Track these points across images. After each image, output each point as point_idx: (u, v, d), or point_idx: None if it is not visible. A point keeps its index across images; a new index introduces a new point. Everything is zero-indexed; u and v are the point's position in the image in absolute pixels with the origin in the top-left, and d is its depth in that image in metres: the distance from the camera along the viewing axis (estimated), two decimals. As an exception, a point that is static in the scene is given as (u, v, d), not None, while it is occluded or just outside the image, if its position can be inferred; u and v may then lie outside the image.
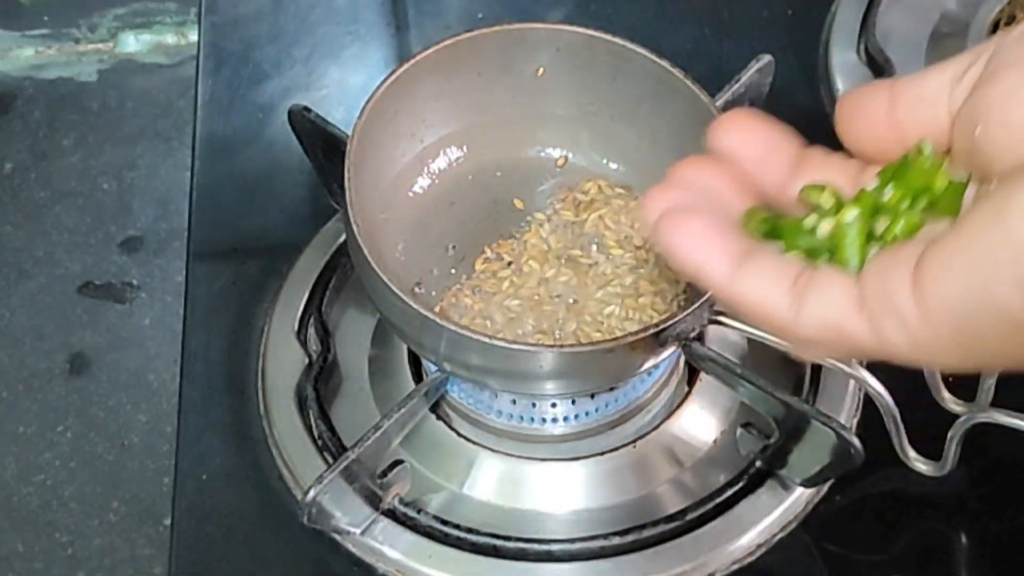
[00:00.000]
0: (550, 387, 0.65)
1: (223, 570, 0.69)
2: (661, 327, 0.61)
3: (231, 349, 0.76)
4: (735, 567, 0.67)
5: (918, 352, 0.36)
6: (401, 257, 0.71)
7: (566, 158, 0.75)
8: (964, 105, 0.38)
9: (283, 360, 0.74)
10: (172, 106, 1.74)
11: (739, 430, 0.69)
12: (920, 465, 0.68)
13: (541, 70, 0.72)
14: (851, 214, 0.39)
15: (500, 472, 0.70)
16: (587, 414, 0.71)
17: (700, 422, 0.72)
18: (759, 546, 0.67)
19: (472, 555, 0.67)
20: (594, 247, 0.71)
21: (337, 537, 0.68)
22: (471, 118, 0.73)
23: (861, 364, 0.73)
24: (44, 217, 1.65)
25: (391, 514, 0.68)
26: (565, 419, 0.71)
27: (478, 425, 0.72)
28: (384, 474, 0.68)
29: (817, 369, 0.73)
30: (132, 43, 1.81)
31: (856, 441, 0.61)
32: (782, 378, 0.73)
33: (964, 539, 0.69)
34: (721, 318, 0.65)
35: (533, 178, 0.74)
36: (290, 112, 0.75)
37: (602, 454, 0.70)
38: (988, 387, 0.68)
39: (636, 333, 0.61)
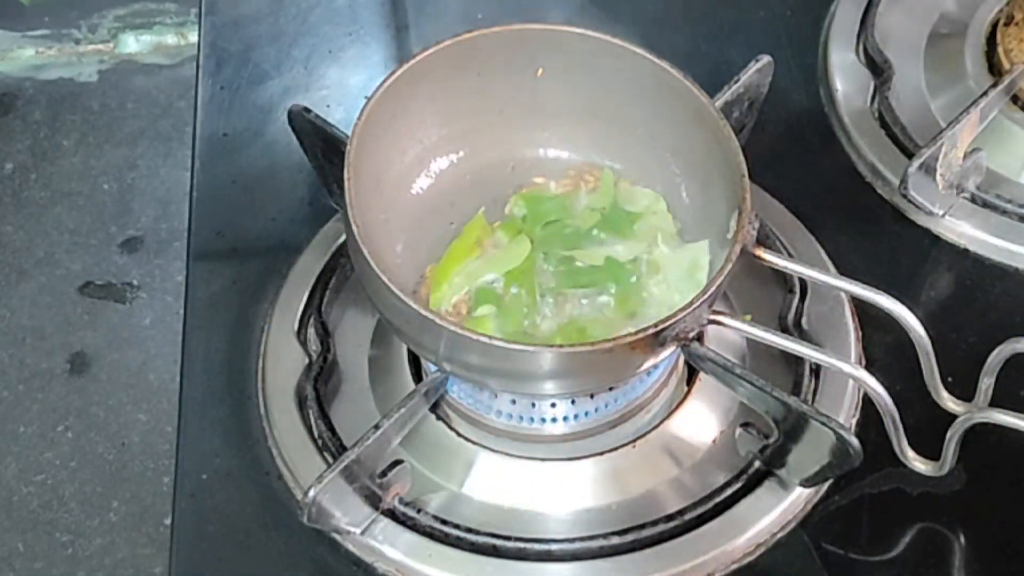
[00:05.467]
0: (550, 387, 0.65)
1: (223, 570, 0.69)
2: (660, 327, 0.61)
3: (231, 349, 0.76)
4: (734, 567, 0.67)
5: None
6: (401, 257, 0.71)
7: (566, 158, 0.75)
8: None
9: (283, 360, 0.75)
10: (172, 106, 1.74)
11: (738, 430, 0.70)
12: (919, 465, 0.68)
13: (541, 70, 0.72)
14: None
15: (500, 472, 0.70)
16: (587, 414, 0.71)
17: (699, 422, 0.72)
18: (758, 546, 0.68)
19: (472, 555, 0.67)
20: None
21: (337, 537, 0.68)
22: (471, 118, 0.73)
23: (860, 364, 0.73)
24: (45, 217, 1.65)
25: (391, 514, 0.68)
26: (565, 419, 0.71)
27: (478, 425, 0.72)
28: (384, 474, 0.68)
29: (816, 369, 0.73)
30: (132, 44, 1.81)
31: (855, 441, 0.61)
32: (781, 378, 0.73)
33: (962, 539, 0.69)
34: (720, 318, 0.65)
35: (533, 178, 0.74)
36: (290, 112, 0.75)
37: (602, 454, 0.70)
38: (987, 387, 0.68)
39: (635, 333, 0.61)
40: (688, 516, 0.68)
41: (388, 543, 0.67)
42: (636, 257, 0.70)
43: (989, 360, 0.68)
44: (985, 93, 0.80)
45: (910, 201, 0.79)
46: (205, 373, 0.76)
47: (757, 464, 0.69)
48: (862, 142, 0.85)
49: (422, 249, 0.71)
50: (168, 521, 0.71)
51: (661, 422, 0.72)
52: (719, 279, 0.62)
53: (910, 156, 0.80)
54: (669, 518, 0.67)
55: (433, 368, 0.70)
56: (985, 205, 0.81)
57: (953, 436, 0.66)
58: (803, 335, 0.74)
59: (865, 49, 0.89)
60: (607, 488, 0.70)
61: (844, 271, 0.75)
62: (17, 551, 1.40)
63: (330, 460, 0.70)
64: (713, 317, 0.65)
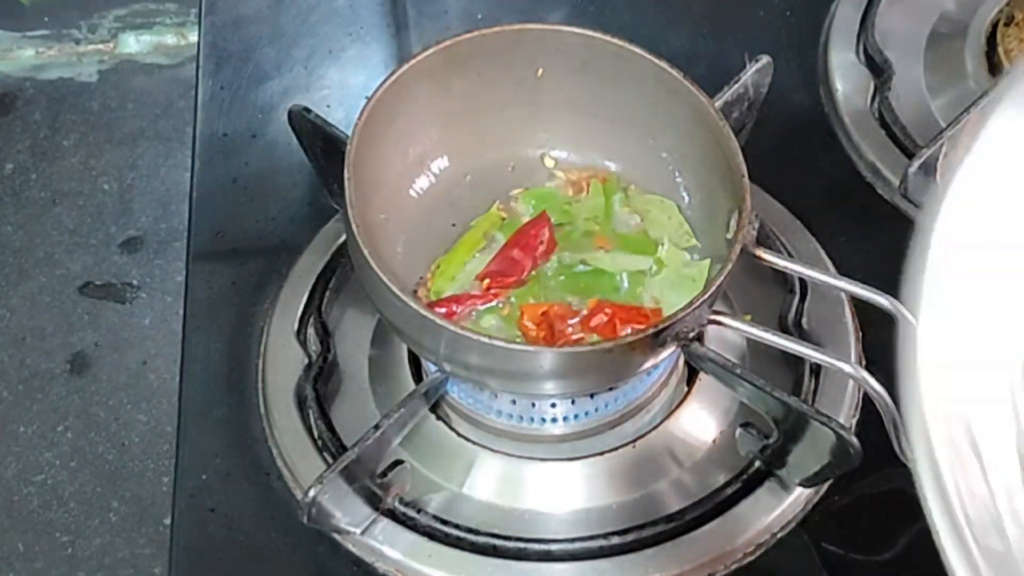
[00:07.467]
0: (550, 387, 0.65)
1: (223, 570, 0.69)
2: (660, 327, 0.61)
3: (231, 349, 0.77)
4: (734, 567, 0.67)
5: None
6: (401, 257, 0.71)
7: (566, 158, 0.75)
8: None
9: (283, 360, 0.75)
10: (172, 106, 1.74)
11: (738, 430, 0.70)
12: (919, 465, 0.68)
13: (541, 70, 0.72)
14: None
15: (500, 472, 0.70)
16: (587, 414, 0.71)
17: (699, 422, 0.72)
18: (758, 546, 0.68)
19: (472, 555, 0.67)
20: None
21: (337, 537, 0.68)
22: (471, 118, 0.73)
23: (860, 364, 0.73)
24: (45, 217, 1.65)
25: (391, 514, 0.68)
26: (565, 419, 0.71)
27: (478, 425, 0.72)
28: (384, 474, 0.68)
29: (816, 369, 0.73)
30: (132, 44, 1.81)
31: (855, 441, 0.61)
32: (781, 378, 0.73)
33: (963, 539, 0.69)
34: (720, 318, 0.65)
35: (533, 178, 0.74)
36: (290, 112, 0.75)
37: (602, 454, 0.70)
38: (987, 387, 0.68)
39: (636, 333, 0.61)
40: (688, 516, 0.68)
41: (388, 543, 0.67)
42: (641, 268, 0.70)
43: (989, 360, 0.68)
44: (985, 93, 0.80)
45: (910, 201, 0.79)
46: (205, 373, 0.76)
47: (757, 464, 0.69)
48: (862, 142, 0.85)
49: (422, 249, 0.71)
50: (168, 521, 0.71)
51: (661, 422, 0.72)
52: (719, 279, 0.62)
53: (910, 156, 0.80)
54: (669, 518, 0.68)
55: (433, 368, 0.70)
56: (985, 205, 0.81)
57: (953, 436, 0.66)
58: (803, 335, 0.74)
59: (865, 49, 0.89)
60: (607, 488, 0.70)
61: (844, 271, 0.75)
62: (17, 551, 1.39)
63: (330, 460, 0.70)
64: (713, 317, 0.65)
